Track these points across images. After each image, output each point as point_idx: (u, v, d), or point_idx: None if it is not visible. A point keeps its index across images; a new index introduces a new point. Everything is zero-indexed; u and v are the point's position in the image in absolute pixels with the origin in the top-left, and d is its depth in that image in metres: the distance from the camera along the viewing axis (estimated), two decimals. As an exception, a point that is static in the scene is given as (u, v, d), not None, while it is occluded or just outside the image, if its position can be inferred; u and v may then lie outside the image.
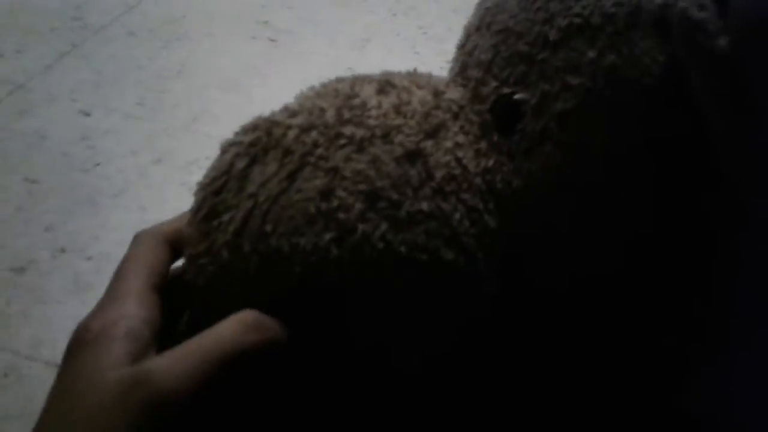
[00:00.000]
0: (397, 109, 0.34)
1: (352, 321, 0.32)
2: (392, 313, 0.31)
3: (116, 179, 0.94)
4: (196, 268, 0.34)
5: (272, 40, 1.26)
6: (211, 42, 1.23)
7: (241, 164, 0.33)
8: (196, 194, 0.36)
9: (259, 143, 0.34)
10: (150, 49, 1.19)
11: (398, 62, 1.21)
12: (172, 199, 0.92)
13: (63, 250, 0.84)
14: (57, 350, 0.72)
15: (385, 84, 0.36)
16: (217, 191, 0.34)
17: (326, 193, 0.31)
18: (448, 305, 0.32)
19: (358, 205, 0.30)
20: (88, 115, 1.04)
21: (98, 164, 0.96)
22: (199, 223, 0.34)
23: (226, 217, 0.33)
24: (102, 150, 0.98)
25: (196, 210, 0.35)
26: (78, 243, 0.84)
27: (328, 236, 0.30)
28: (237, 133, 0.36)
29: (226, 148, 0.35)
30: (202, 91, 1.12)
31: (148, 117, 1.06)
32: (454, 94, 0.35)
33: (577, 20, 0.32)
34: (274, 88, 1.14)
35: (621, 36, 0.31)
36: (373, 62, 1.24)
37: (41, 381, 0.70)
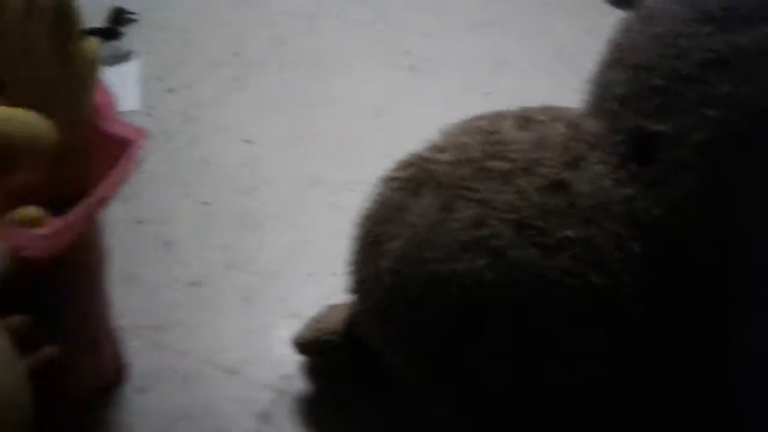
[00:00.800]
0: (538, 144, 0.37)
1: (505, 339, 0.34)
2: (544, 334, 0.34)
3: (275, 202, 1.02)
4: (363, 293, 0.38)
5: (412, 68, 1.31)
6: (355, 72, 1.30)
7: (399, 197, 0.37)
8: (360, 224, 0.40)
9: (415, 178, 0.38)
10: (300, 81, 1.28)
11: (533, 84, 1.23)
12: (323, 220, 0.98)
13: (231, 267, 0.92)
14: (230, 356, 0.80)
15: (523, 120, 0.39)
16: (380, 222, 0.38)
17: (478, 223, 0.34)
18: (596, 327, 0.34)
19: (508, 233, 0.33)
20: (249, 142, 1.13)
21: (259, 188, 1.04)
22: (366, 250, 0.38)
23: (388, 246, 0.37)
24: (262, 175, 1.07)
25: (362, 238, 0.39)
26: (244, 260, 0.92)
27: (481, 262, 0.33)
28: (394, 169, 0.40)
29: (385, 182, 0.39)
30: (348, 118, 1.19)
31: (300, 143, 1.13)
32: (591, 126, 0.38)
33: (711, 55, 0.33)
34: (414, 113, 1.19)
35: (754, 69, 0.32)
36: (509, 85, 1.26)
37: (218, 385, 0.78)
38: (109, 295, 0.72)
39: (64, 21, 0.55)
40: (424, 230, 0.34)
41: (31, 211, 0.57)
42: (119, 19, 1.39)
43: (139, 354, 0.81)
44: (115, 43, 1.32)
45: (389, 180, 0.38)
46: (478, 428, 0.38)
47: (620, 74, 0.37)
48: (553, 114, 0.38)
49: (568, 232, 0.32)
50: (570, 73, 1.21)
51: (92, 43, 0.59)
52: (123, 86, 1.23)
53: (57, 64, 0.55)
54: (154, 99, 1.23)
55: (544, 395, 0.34)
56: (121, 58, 1.29)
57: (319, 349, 0.69)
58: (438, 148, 0.37)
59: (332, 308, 0.75)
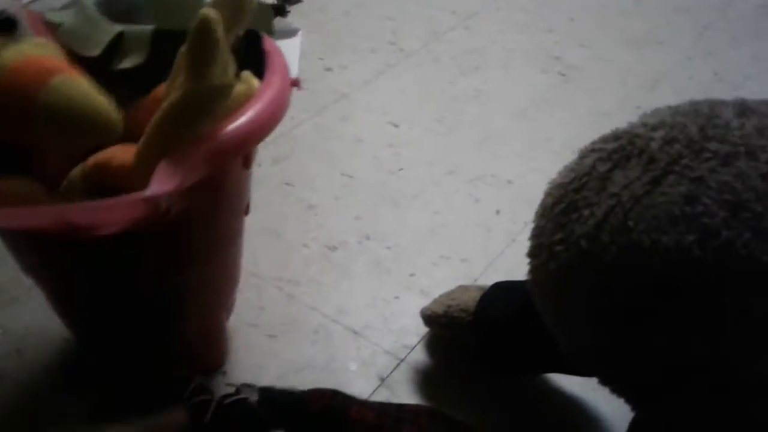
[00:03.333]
0: (760, 131, 0.35)
1: (696, 318, 0.33)
2: (745, 317, 0.32)
3: (415, 184, 1.03)
4: (548, 255, 0.37)
5: (562, 75, 1.28)
6: (505, 72, 1.29)
7: (602, 168, 0.37)
8: (551, 191, 0.39)
9: (622, 151, 0.37)
10: (451, 74, 1.28)
11: (687, 105, 1.17)
12: (460, 207, 0.98)
13: (367, 237, 0.93)
14: (357, 319, 0.81)
15: (744, 108, 0.37)
16: (577, 189, 0.37)
17: (691, 199, 0.33)
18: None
19: (723, 213, 0.32)
20: (396, 126, 1.15)
21: (401, 169, 1.05)
22: (557, 216, 0.37)
23: (586, 212, 0.36)
24: (405, 157, 1.08)
25: (552, 204, 0.38)
26: (380, 233, 0.94)
27: (690, 237, 0.32)
28: (596, 142, 0.39)
29: (586, 153, 0.39)
30: (494, 115, 1.18)
31: (444, 133, 1.14)
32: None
33: None
34: (560, 118, 1.17)
35: None
36: (662, 104, 1.21)
37: (343, 342, 0.79)
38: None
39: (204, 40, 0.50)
40: (629, 201, 0.33)
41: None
42: (288, -2, 1.45)
43: (273, 303, 0.84)
44: (282, 20, 1.38)
45: (591, 151, 0.37)
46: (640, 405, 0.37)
47: None
48: None
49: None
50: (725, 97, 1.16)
51: (247, 80, 0.56)
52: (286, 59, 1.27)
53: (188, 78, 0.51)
54: (311, 75, 1.27)
55: (720, 378, 0.33)
56: (287, 33, 1.34)
57: (446, 323, 0.69)
58: (650, 126, 0.36)
59: (465, 288, 0.75)
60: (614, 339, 0.35)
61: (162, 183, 0.47)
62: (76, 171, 0.57)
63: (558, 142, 1.11)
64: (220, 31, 0.48)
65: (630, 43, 1.37)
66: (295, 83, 0.61)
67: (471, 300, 0.68)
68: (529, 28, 1.42)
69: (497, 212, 0.99)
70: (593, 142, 0.39)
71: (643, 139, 0.36)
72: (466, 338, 0.64)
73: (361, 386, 0.74)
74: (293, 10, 1.44)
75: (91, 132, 0.48)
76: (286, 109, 0.58)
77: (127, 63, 0.62)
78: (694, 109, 0.37)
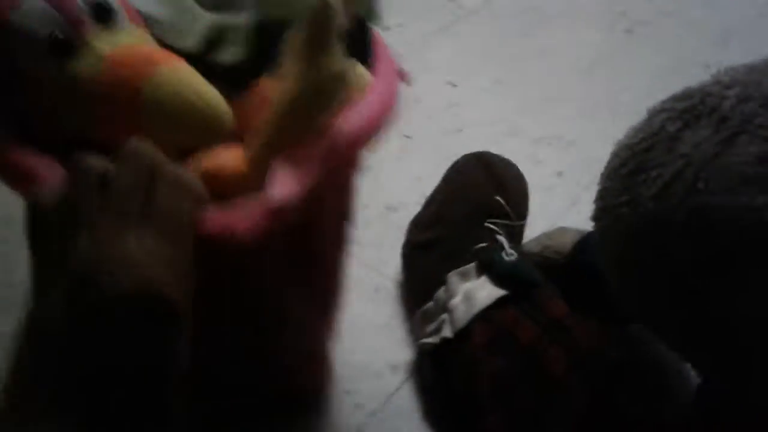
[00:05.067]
0: None
1: (762, 281, 0.33)
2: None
3: (474, 145, 1.02)
4: (614, 218, 0.37)
5: (628, 31, 1.25)
6: (568, 30, 1.26)
7: (672, 128, 0.36)
8: (618, 152, 0.39)
9: (693, 110, 0.36)
10: (512, 32, 1.26)
11: (761, 61, 1.13)
12: (520, 168, 0.97)
13: (425, 197, 0.94)
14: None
15: None
16: (646, 150, 0.37)
17: (764, 159, 0.32)
18: None
19: None
20: (454, 86, 1.14)
21: (461, 130, 1.05)
22: (624, 177, 0.37)
23: (654, 173, 0.35)
24: (465, 118, 1.07)
25: (618, 166, 0.38)
26: (439, 194, 0.94)
27: (762, 199, 0.32)
28: (666, 101, 0.38)
29: (655, 113, 0.38)
30: (556, 74, 1.16)
31: (505, 93, 1.12)
32: None
33: None
34: (624, 77, 1.14)
35: None
36: (733, 60, 1.16)
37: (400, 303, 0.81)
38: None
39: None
40: (700, 161, 0.33)
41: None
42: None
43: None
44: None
45: (660, 111, 0.37)
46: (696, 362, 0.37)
47: None
48: None
49: None
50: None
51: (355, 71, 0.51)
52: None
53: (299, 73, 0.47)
54: (370, 34, 1.26)
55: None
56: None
57: (540, 262, 0.69)
58: (723, 84, 0.35)
59: (564, 230, 0.74)
60: (679, 305, 0.35)
61: (288, 186, 0.43)
62: None
63: (623, 102, 1.08)
64: (340, 18, 0.45)
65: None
66: (403, 76, 0.57)
67: (568, 243, 0.67)
68: (594, -17, 1.38)
69: (559, 174, 0.98)
70: (663, 102, 0.38)
71: (715, 97, 0.35)
72: (558, 281, 0.64)
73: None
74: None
75: (200, 128, 0.45)
76: (398, 102, 0.54)
77: (226, 56, 0.57)
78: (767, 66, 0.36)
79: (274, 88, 0.51)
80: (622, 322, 0.63)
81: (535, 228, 0.88)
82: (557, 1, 1.33)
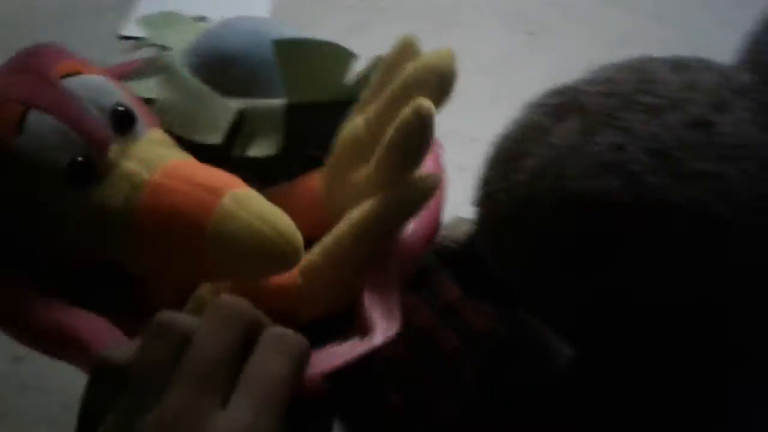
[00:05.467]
0: (689, 86, 0.38)
1: (624, 259, 0.36)
2: (662, 256, 0.35)
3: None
4: (492, 203, 0.40)
5: (530, 34, 1.30)
6: (474, 32, 1.31)
7: (545, 121, 0.39)
8: (496, 143, 0.42)
9: (564, 105, 0.39)
10: (420, 32, 1.29)
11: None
12: (429, 164, 1.01)
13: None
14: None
15: (679, 64, 0.40)
16: (520, 140, 0.40)
17: (619, 148, 0.36)
18: (712, 253, 0.35)
19: (647, 160, 0.35)
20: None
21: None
22: (500, 165, 0.40)
23: (527, 162, 0.39)
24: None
25: (497, 155, 0.41)
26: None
27: (617, 183, 0.35)
28: (543, 97, 0.42)
29: (531, 107, 0.41)
30: (462, 72, 1.20)
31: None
32: (743, 77, 0.38)
33: None
34: (525, 77, 1.19)
35: None
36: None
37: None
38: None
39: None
40: (565, 150, 0.36)
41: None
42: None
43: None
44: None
45: (535, 105, 0.40)
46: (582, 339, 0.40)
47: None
48: (707, 64, 0.39)
49: (705, 166, 0.33)
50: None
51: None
52: (253, 11, 1.27)
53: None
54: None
55: (657, 315, 0.36)
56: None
57: (439, 252, 0.71)
58: (591, 82, 0.39)
59: (460, 221, 0.77)
60: (548, 281, 0.38)
61: (387, 324, 0.37)
62: (205, 291, 0.43)
63: (524, 99, 1.13)
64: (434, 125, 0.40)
65: (600, 4, 1.39)
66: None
67: (464, 232, 0.70)
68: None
69: (461, 168, 1.01)
70: (540, 97, 0.41)
71: (584, 94, 0.39)
72: (456, 267, 0.66)
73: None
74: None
75: (274, 261, 0.37)
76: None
77: (257, 149, 0.49)
78: (631, 65, 0.40)
79: (319, 184, 0.46)
80: (512, 304, 0.67)
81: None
82: (465, 5, 1.38)
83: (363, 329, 0.38)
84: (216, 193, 0.37)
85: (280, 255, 0.37)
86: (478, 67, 1.21)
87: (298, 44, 0.49)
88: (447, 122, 1.09)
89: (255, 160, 0.49)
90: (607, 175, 0.35)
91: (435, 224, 0.45)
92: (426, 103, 0.40)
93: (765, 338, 0.37)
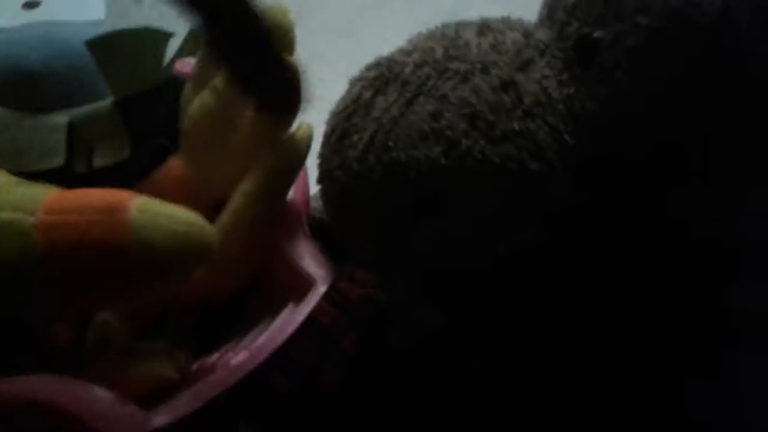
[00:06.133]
0: (494, 48, 0.40)
1: (453, 217, 0.38)
2: (485, 210, 0.38)
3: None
4: (330, 180, 0.41)
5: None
6: (326, -9, 1.29)
7: (367, 95, 0.41)
8: (329, 120, 0.43)
9: (382, 77, 0.41)
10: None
11: (500, 9, 1.23)
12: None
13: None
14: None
15: (484, 27, 0.42)
16: (348, 117, 0.41)
17: (436, 116, 0.37)
18: (530, 204, 0.38)
19: (462, 125, 0.37)
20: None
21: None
22: (334, 143, 0.41)
23: (356, 137, 0.40)
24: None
25: (330, 133, 0.42)
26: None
27: (437, 149, 0.37)
28: (362, 71, 0.43)
29: (354, 82, 0.42)
30: (316, 36, 1.19)
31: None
32: (542, 34, 0.41)
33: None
34: (383, 32, 1.19)
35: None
36: (475, 7, 1.26)
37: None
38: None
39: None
40: (388, 123, 0.37)
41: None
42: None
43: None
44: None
45: (357, 80, 0.41)
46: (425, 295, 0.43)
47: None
48: (510, 24, 0.41)
49: (513, 125, 0.36)
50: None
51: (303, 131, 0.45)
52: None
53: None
54: (120, 7, 1.21)
55: (489, 262, 0.39)
56: None
57: (313, 224, 0.72)
58: (405, 52, 0.40)
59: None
60: (389, 250, 0.40)
61: (324, 272, 0.41)
62: (105, 315, 0.42)
63: (380, 52, 1.14)
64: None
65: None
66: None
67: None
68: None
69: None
70: (360, 71, 0.42)
71: (398, 64, 0.40)
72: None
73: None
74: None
75: (198, 256, 0.37)
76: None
77: (102, 159, 0.46)
78: (441, 32, 0.41)
79: (182, 169, 0.45)
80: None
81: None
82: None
83: (294, 289, 0.40)
84: (118, 211, 0.35)
85: (203, 246, 0.37)
86: (336, 27, 1.20)
87: (111, 38, 0.47)
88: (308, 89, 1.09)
89: (103, 169, 0.46)
90: (427, 144, 0.37)
91: (307, 185, 0.47)
92: (289, 59, 0.41)
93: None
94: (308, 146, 0.43)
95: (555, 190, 0.38)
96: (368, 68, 0.42)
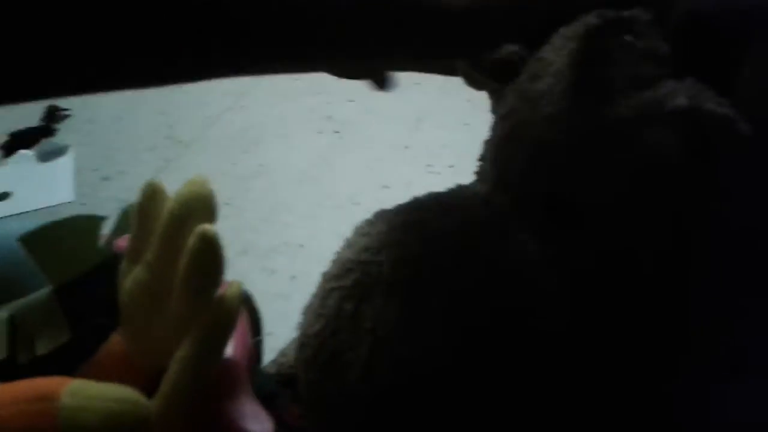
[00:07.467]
0: (462, 229, 0.37)
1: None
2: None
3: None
4: (328, 406, 0.36)
5: (337, 132, 1.32)
6: (283, 142, 1.30)
7: (349, 306, 0.36)
8: (306, 341, 0.39)
9: (361, 284, 0.36)
10: (233, 155, 1.27)
11: (451, 134, 1.25)
12: (256, 282, 0.96)
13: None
14: None
15: (443, 206, 0.39)
16: (333, 334, 0.36)
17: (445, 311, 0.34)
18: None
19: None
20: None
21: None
22: (323, 367, 0.37)
23: (350, 356, 0.35)
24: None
25: (312, 356, 0.37)
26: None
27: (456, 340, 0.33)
28: (331, 278, 0.39)
29: (326, 293, 0.38)
30: (278, 185, 1.18)
31: (234, 214, 1.12)
32: (500, 198, 0.38)
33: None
34: (340, 174, 1.19)
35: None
36: (428, 138, 1.28)
37: None
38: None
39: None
40: (385, 333, 0.34)
41: None
42: (53, 116, 1.36)
43: None
44: (50, 140, 1.29)
45: (331, 290, 0.37)
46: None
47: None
48: (464, 193, 0.38)
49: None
50: (483, 123, 1.24)
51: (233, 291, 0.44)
52: (57, 180, 1.19)
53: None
54: (88, 188, 1.20)
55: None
56: (57, 153, 1.26)
57: (281, 380, 0.67)
58: (373, 250, 0.37)
59: (293, 345, 0.73)
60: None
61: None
62: None
63: (343, 195, 1.13)
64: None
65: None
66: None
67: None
68: (299, 94, 1.45)
69: (293, 278, 0.99)
70: (328, 279, 0.39)
71: (372, 265, 0.36)
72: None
73: None
74: (60, 126, 1.35)
75: (131, 428, 0.37)
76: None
77: (44, 346, 0.47)
78: (402, 221, 0.38)
79: (122, 345, 0.45)
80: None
81: (278, 337, 0.86)
82: (269, 118, 1.37)
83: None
84: (50, 398, 0.37)
85: (137, 421, 0.38)
86: (291, 177, 1.20)
87: (44, 231, 0.48)
88: (275, 235, 1.07)
89: (47, 357, 0.47)
90: (434, 342, 0.33)
91: (246, 340, 0.47)
92: (207, 227, 0.41)
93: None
94: (238, 303, 0.42)
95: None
96: (340, 276, 0.37)
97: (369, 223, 0.39)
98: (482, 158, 0.40)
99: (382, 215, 0.40)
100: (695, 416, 0.37)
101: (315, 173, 1.21)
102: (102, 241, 0.51)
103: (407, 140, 1.26)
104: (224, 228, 1.06)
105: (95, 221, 0.50)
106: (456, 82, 1.42)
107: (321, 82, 1.47)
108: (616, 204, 0.33)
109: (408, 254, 0.36)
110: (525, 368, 0.33)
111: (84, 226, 0.50)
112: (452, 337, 0.33)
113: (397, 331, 0.34)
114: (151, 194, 0.45)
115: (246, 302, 0.84)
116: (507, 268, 0.35)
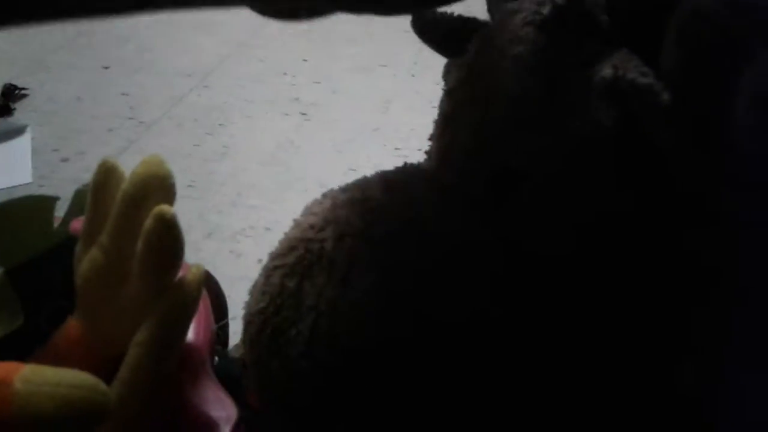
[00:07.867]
0: (406, 204, 0.35)
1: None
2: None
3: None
4: (271, 379, 0.35)
5: (303, 114, 1.29)
6: (249, 123, 1.27)
7: (292, 283, 0.35)
8: (251, 318, 0.37)
9: (303, 261, 0.35)
10: (196, 137, 1.23)
11: (420, 117, 1.22)
12: (223, 268, 0.94)
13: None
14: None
15: (386, 181, 0.37)
16: (276, 312, 0.35)
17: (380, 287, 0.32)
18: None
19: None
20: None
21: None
22: (267, 343, 0.35)
23: (293, 332, 0.34)
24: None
25: (257, 332, 0.36)
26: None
27: (386, 334, 0.32)
28: (276, 257, 0.37)
29: (270, 272, 0.37)
30: (244, 167, 1.15)
31: (198, 197, 1.09)
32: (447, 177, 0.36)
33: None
34: (308, 157, 1.17)
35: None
36: (397, 121, 1.26)
37: None
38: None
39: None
40: (327, 309, 0.32)
41: None
42: (10, 94, 1.32)
43: None
44: (7, 119, 1.24)
45: (274, 269, 0.36)
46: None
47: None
48: (410, 170, 0.37)
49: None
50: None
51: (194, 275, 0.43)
52: (15, 161, 1.15)
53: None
54: (47, 170, 1.15)
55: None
56: (14, 133, 1.22)
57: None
58: (318, 227, 0.35)
59: None
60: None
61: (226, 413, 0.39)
62: None
63: (309, 180, 1.11)
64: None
65: (359, 71, 1.41)
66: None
67: None
68: (266, 76, 1.41)
69: (260, 261, 0.96)
70: (273, 257, 0.37)
71: (315, 242, 0.35)
72: None
73: None
74: (18, 105, 1.30)
75: (90, 417, 0.36)
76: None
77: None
78: (347, 198, 0.37)
79: (79, 328, 0.44)
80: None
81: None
82: (234, 99, 1.34)
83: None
84: (2, 383, 0.36)
85: (94, 407, 0.36)
86: (256, 159, 1.17)
87: None
88: (241, 218, 1.04)
89: (2, 340, 0.45)
90: (371, 323, 0.32)
91: (209, 324, 0.46)
92: (165, 207, 0.39)
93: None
94: (200, 286, 0.42)
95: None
96: (282, 254, 0.36)
97: (317, 202, 0.38)
98: (431, 137, 0.39)
99: (329, 194, 0.38)
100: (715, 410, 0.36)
101: (282, 156, 1.18)
102: (57, 222, 0.49)
103: (376, 123, 1.23)
104: (189, 211, 1.04)
105: (47, 202, 0.48)
106: (425, 65, 1.39)
107: (287, 63, 1.44)
108: (560, 174, 0.32)
109: (349, 230, 0.35)
110: (462, 343, 0.32)
111: (36, 206, 0.49)
112: (391, 313, 0.31)
113: (338, 307, 0.33)
114: (106, 174, 0.45)
115: (211, 286, 0.82)
116: (447, 242, 0.34)
